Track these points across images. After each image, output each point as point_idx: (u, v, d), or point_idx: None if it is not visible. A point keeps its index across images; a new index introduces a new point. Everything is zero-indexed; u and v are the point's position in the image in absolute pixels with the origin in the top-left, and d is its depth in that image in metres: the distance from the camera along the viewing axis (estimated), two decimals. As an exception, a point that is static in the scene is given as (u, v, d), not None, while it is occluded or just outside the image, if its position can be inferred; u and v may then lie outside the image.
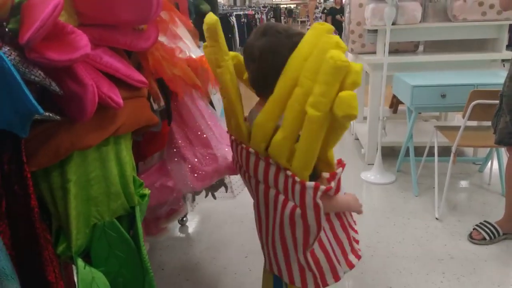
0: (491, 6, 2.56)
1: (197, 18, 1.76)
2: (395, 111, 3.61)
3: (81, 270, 0.88)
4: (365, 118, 3.13)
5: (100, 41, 0.82)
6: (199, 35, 1.80)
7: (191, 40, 1.11)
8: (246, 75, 1.04)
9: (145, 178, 1.29)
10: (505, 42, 2.73)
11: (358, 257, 1.12)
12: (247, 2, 16.76)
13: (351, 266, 1.09)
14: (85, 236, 0.90)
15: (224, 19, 6.45)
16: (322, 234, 1.02)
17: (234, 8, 9.92)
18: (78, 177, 0.84)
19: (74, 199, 0.85)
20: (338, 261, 1.06)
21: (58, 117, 0.73)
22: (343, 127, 0.92)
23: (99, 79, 0.77)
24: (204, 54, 1.28)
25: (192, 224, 2.26)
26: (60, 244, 0.88)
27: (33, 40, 0.64)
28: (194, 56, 1.21)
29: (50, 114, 0.73)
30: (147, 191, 0.98)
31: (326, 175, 0.97)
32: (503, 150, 2.36)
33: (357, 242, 1.15)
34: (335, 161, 1.03)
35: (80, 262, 0.89)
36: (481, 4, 2.57)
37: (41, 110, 0.67)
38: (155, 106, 1.08)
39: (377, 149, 2.73)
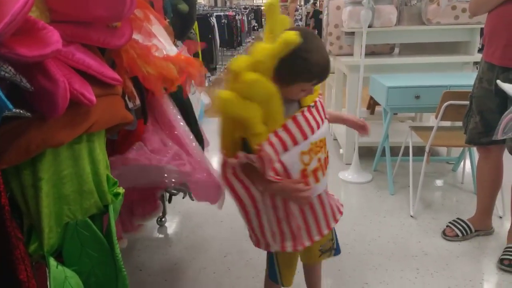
0: (464, 10, 2.64)
1: (175, 18, 1.76)
2: (372, 112, 3.68)
3: (53, 269, 0.87)
4: (343, 118, 3.17)
5: (72, 38, 0.82)
6: (176, 34, 1.80)
7: (166, 38, 1.12)
8: None
9: (118, 159, 1.23)
10: (477, 45, 2.82)
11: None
12: (227, 3, 16.76)
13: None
14: (57, 235, 0.88)
15: (204, 19, 6.42)
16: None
17: (215, 8, 9.89)
18: (50, 175, 0.83)
19: (46, 198, 0.84)
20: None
21: (29, 114, 0.72)
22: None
23: (71, 76, 0.76)
24: (180, 52, 1.30)
25: (171, 225, 2.25)
26: (32, 243, 0.86)
27: (3, 35, 0.63)
28: (170, 54, 1.21)
29: (21, 111, 0.71)
30: (121, 189, 0.97)
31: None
32: (475, 150, 2.44)
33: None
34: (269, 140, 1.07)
35: (52, 261, 0.88)
36: (454, 8, 2.65)
37: (11, 107, 0.66)
38: (130, 105, 1.07)
39: (354, 149, 2.78)
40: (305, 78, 1.06)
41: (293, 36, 0.94)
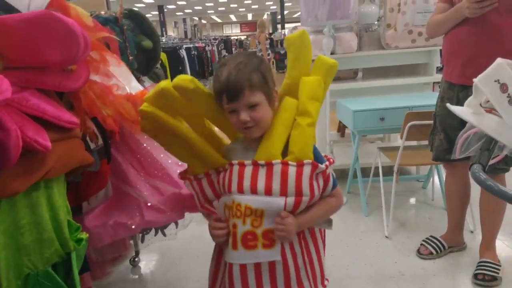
0: (420, 34, 2.77)
1: (139, 54, 1.77)
2: (342, 135, 3.75)
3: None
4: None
5: (27, 84, 0.81)
6: (141, 70, 1.81)
7: (126, 77, 1.12)
8: None
9: (96, 217, 1.25)
10: (435, 66, 2.95)
11: None
12: (197, 35, 17.03)
13: None
14: (17, 288, 0.85)
15: (174, 52, 6.49)
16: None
17: (185, 41, 10.02)
18: (6, 226, 0.80)
19: (3, 250, 0.80)
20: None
21: (-20, 165, 0.70)
22: None
23: (24, 123, 0.75)
24: (144, 89, 1.30)
25: (145, 264, 2.18)
26: (-11, 299, 0.82)
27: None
28: (133, 92, 1.21)
29: (-28, 162, 0.69)
30: (84, 235, 0.95)
31: None
32: (442, 167, 2.51)
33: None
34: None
35: (12, 317, 0.83)
36: (410, 32, 2.77)
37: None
38: (92, 146, 1.06)
39: (327, 173, 2.80)
40: (216, 92, 1.03)
41: (162, 83, 1.01)
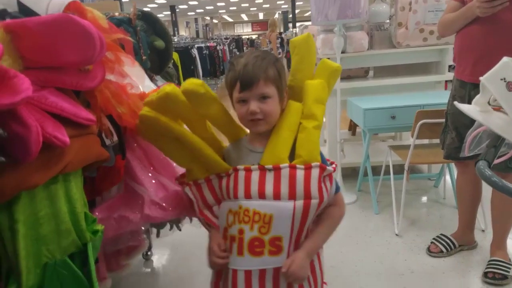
0: (431, 32, 2.77)
1: (152, 54, 1.81)
2: (353, 133, 3.75)
3: (33, 311, 0.87)
4: (325, 141, 3.24)
5: (45, 83, 0.85)
6: (154, 69, 1.85)
7: (140, 77, 1.16)
8: None
9: (102, 210, 1.28)
10: (447, 64, 2.94)
11: None
12: (209, 34, 17.11)
13: None
14: (36, 276, 0.89)
15: (186, 51, 6.56)
16: None
17: (196, 40, 10.11)
18: (26, 217, 0.84)
19: (23, 239, 0.84)
20: None
21: (3, 158, 0.75)
22: None
23: (44, 120, 0.79)
24: (157, 88, 1.34)
25: (157, 258, 2.23)
26: (10, 286, 0.87)
27: (-25, 85, 0.66)
28: (146, 91, 1.25)
29: (-5, 156, 0.74)
30: (100, 226, 0.99)
31: None
32: (453, 165, 2.50)
33: None
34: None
35: (32, 303, 0.88)
36: (421, 31, 2.77)
37: (-15, 153, 0.68)
38: (108, 142, 1.10)
39: (337, 171, 2.82)
40: (229, 81, 1.04)
41: (166, 88, 1.03)
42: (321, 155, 1.05)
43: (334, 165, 1.07)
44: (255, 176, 1.00)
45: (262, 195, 0.98)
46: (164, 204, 1.31)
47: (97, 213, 1.20)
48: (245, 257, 1.00)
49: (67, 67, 0.86)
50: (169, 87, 1.04)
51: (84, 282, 0.94)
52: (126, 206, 1.31)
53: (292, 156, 1.02)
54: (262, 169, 1.00)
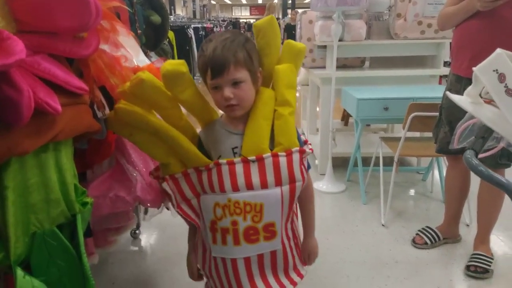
0: (429, 25, 2.77)
1: (147, 29, 1.78)
2: (346, 123, 3.77)
3: (20, 280, 0.86)
4: (317, 130, 3.25)
5: (39, 48, 0.83)
6: (149, 45, 1.82)
7: (134, 48, 1.13)
8: None
9: (96, 187, 1.27)
10: (443, 59, 2.95)
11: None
12: (206, 15, 16.89)
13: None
14: (24, 245, 0.88)
15: (182, 31, 6.47)
16: None
17: (193, 20, 9.96)
18: (16, 184, 0.83)
19: (12, 206, 0.83)
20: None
21: (-7, 123, 0.73)
22: None
23: (36, 85, 0.77)
24: (151, 63, 1.32)
25: (145, 237, 2.23)
26: (-3, 254, 0.86)
27: (-34, 45, 0.64)
28: (140, 65, 1.23)
29: (-15, 120, 0.72)
30: (89, 199, 0.98)
31: None
32: (442, 160, 2.53)
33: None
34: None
35: (19, 272, 0.87)
36: (420, 23, 2.76)
37: (-26, 115, 0.67)
38: (99, 114, 1.08)
39: (328, 160, 2.83)
40: (200, 67, 1.02)
41: (141, 74, 1.00)
42: (298, 135, 1.08)
43: (310, 145, 1.12)
44: (239, 168, 1.01)
45: (250, 186, 1.01)
46: (155, 185, 1.31)
47: (91, 191, 1.19)
48: (242, 246, 1.04)
49: (61, 33, 0.84)
50: (144, 74, 1.00)
51: (73, 253, 0.94)
52: (120, 185, 1.31)
53: (271, 143, 1.04)
54: (246, 161, 1.02)
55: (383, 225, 2.29)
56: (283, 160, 1.02)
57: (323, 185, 2.78)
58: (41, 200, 0.87)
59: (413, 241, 2.10)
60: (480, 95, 0.99)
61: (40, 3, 0.80)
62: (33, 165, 0.84)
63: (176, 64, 1.02)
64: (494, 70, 0.90)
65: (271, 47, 1.10)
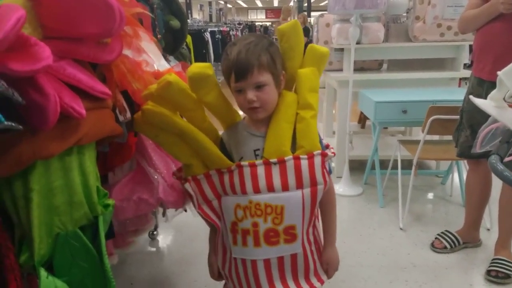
0: (449, 28, 2.73)
1: (167, 34, 1.80)
2: (363, 126, 3.74)
3: (44, 280, 0.88)
4: (334, 132, 3.23)
5: (64, 53, 0.85)
6: (168, 49, 1.85)
7: (156, 54, 1.15)
8: None
9: (119, 190, 1.30)
10: (463, 62, 2.90)
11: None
12: (222, 19, 17.00)
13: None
14: (48, 246, 0.90)
15: (198, 34, 6.54)
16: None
17: (209, 24, 10.04)
18: (41, 186, 0.85)
19: (37, 208, 0.86)
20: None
21: (21, 127, 0.75)
22: None
23: (62, 90, 0.79)
24: (170, 67, 1.34)
25: (163, 238, 2.26)
26: (22, 254, 0.88)
27: (-4, 51, 0.66)
28: (161, 70, 1.24)
29: (13, 124, 0.74)
30: (111, 201, 1.00)
31: None
32: (462, 164, 2.48)
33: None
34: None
35: (43, 272, 0.89)
36: (439, 25, 2.73)
37: (3, 119, 0.68)
38: (121, 118, 1.10)
39: (345, 163, 2.81)
40: (224, 70, 1.04)
41: (168, 77, 1.00)
42: (320, 139, 1.08)
43: (332, 149, 1.11)
44: (261, 171, 1.02)
45: (271, 188, 1.02)
46: (177, 187, 1.33)
47: (115, 195, 1.22)
48: (263, 248, 1.05)
49: (86, 38, 0.86)
50: (170, 76, 1.02)
51: (95, 255, 0.96)
52: (143, 187, 1.33)
53: (293, 146, 1.05)
54: (267, 164, 1.02)
55: (401, 228, 2.26)
56: (304, 163, 1.02)
57: (340, 188, 2.76)
58: (65, 202, 0.89)
59: (432, 245, 2.07)
60: (504, 99, 0.97)
61: (66, 10, 0.82)
62: (57, 168, 0.87)
63: (202, 67, 1.04)
64: None
65: (295, 51, 1.11)
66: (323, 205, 1.15)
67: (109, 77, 1.00)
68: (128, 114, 1.14)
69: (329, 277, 1.19)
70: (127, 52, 1.02)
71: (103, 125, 0.94)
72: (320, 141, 1.08)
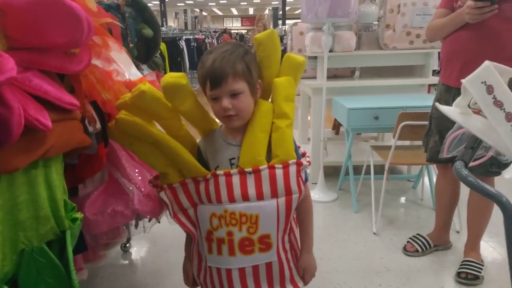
0: (418, 36, 2.81)
1: (139, 42, 1.79)
2: (337, 132, 3.79)
3: (7, 298, 0.85)
4: (309, 139, 3.26)
5: (30, 64, 0.83)
6: (141, 58, 1.83)
7: (127, 63, 1.14)
8: None
9: (91, 204, 1.26)
10: (432, 68, 2.99)
11: None
12: (198, 27, 16.96)
13: None
14: (12, 262, 0.87)
15: (173, 43, 6.49)
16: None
17: (185, 32, 9.99)
18: (4, 201, 0.82)
19: (0, 224, 0.83)
20: None
21: (-18, 140, 0.73)
22: None
23: (27, 102, 0.77)
24: (143, 76, 1.32)
25: (136, 250, 2.21)
26: (-16, 272, 0.85)
27: (-44, 63, 0.64)
28: (132, 79, 1.23)
29: (-26, 137, 0.72)
30: (79, 214, 0.97)
31: None
32: (432, 168, 2.55)
33: None
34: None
35: (6, 290, 0.86)
36: (408, 34, 2.81)
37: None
38: (91, 129, 1.08)
39: (320, 169, 2.84)
40: (200, 78, 1.04)
41: (142, 86, 1.01)
42: (295, 148, 1.09)
43: (308, 158, 1.12)
44: (236, 180, 1.03)
45: (246, 198, 1.02)
46: (152, 196, 1.31)
47: (88, 209, 1.19)
48: (237, 257, 1.05)
49: (52, 49, 0.84)
50: (144, 86, 1.02)
51: (61, 271, 0.93)
52: (117, 199, 1.30)
53: (268, 155, 1.05)
54: (242, 173, 1.03)
55: (374, 233, 2.30)
56: (279, 172, 1.02)
57: (315, 194, 2.79)
58: (30, 217, 0.86)
59: (404, 248, 2.11)
60: (468, 105, 1.01)
61: (31, 20, 0.80)
62: (22, 182, 0.84)
63: (176, 77, 1.03)
64: (482, 82, 0.92)
65: (271, 60, 1.11)
66: (299, 213, 1.16)
67: (78, 87, 0.98)
68: (98, 125, 1.12)
69: (305, 283, 1.20)
70: (96, 62, 1.00)
71: (70, 137, 0.92)
72: (296, 150, 1.09)
